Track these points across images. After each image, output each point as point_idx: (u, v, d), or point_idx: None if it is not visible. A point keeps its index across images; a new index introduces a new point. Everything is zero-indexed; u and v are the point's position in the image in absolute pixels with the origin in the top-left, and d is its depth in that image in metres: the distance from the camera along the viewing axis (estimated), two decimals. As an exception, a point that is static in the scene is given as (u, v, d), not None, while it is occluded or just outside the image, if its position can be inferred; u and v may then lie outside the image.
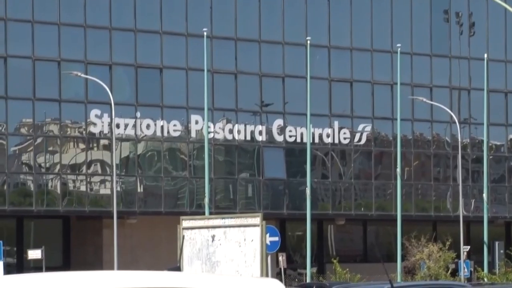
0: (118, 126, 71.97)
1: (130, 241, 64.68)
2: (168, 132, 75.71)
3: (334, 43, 79.11)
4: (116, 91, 70.23)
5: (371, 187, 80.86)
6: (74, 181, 74.50)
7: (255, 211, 44.01)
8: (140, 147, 75.47)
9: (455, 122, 78.60)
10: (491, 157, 79.75)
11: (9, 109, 71.32)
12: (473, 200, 77.66)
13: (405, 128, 78.51)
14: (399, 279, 60.96)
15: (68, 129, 74.18)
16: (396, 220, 72.90)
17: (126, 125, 73.56)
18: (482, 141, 79.24)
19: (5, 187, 71.88)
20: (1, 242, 59.15)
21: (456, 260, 69.93)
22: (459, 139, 78.46)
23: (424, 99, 79.15)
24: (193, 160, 74.73)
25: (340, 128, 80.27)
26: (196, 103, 73.17)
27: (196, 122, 74.69)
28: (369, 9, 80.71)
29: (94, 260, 62.70)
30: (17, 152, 73.22)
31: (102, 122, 72.78)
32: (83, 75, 70.18)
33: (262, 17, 77.89)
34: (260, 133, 78.28)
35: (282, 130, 78.52)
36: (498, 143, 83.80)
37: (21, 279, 12.85)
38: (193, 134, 75.33)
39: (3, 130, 71.77)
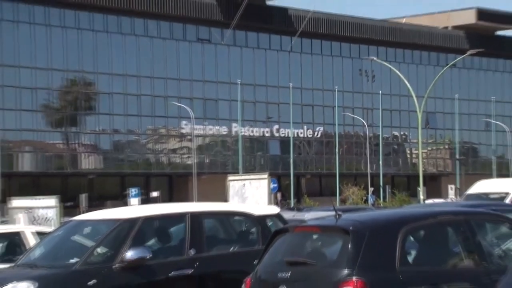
0: (195, 129, 71.90)
1: (203, 188, 64.38)
2: (220, 132, 75.67)
3: (304, 86, 78.62)
4: (195, 111, 70.26)
5: (323, 158, 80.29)
6: (174, 157, 74.46)
7: (264, 171, 44.26)
8: (207, 140, 75.27)
9: (363, 125, 78.54)
10: (383, 143, 79.46)
11: (142, 122, 71.42)
12: (374, 164, 77.28)
13: (340, 129, 78.22)
14: (337, 205, 61.09)
15: (170, 131, 74.16)
16: (336, 175, 72.92)
17: (199, 129, 73.46)
18: (379, 135, 79.15)
19: (139, 161, 71.92)
20: (138, 187, 59.32)
21: (367, 196, 69.79)
22: (367, 134, 78.31)
23: (350, 114, 79.01)
24: (233, 146, 74.57)
25: (307, 129, 79.75)
26: (234, 117, 73.14)
27: (235, 127, 74.38)
28: (321, 68, 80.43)
29: (185, 200, 62.29)
30: (145, 143, 73.10)
31: (187, 127, 72.62)
32: (177, 104, 70.41)
33: (268, 72, 77.71)
34: (267, 132, 78.07)
35: (277, 131, 78.06)
36: (387, 136, 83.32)
37: (148, 206, 13.35)
38: (233, 133, 75.13)
39: (139, 132, 71.94)
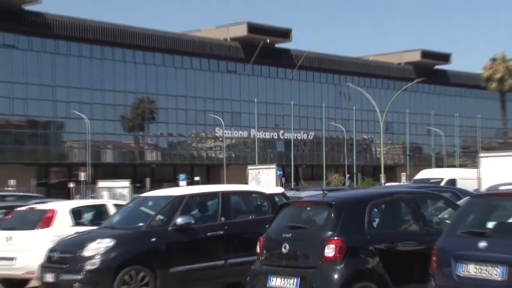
0: (225, 134, 71.74)
1: (230, 175, 64.07)
2: (243, 135, 75.30)
3: (301, 103, 78.29)
4: (225, 121, 70.26)
5: (314, 154, 79.51)
6: (210, 152, 74.21)
7: (273, 163, 44.06)
8: (233, 141, 74.51)
9: (343, 131, 78.26)
10: (356, 143, 79.13)
11: (188, 128, 71.07)
12: (350, 158, 76.89)
13: (326, 134, 77.87)
14: (324, 187, 60.42)
15: (208, 134, 73.71)
16: (323, 166, 72.71)
17: (228, 133, 73.21)
18: (353, 138, 78.85)
19: (186, 155, 71.62)
20: (185, 174, 59.01)
21: (345, 180, 69.51)
22: (345, 137, 77.96)
23: (333, 123, 78.58)
24: (252, 145, 74.21)
25: (303, 133, 79.21)
26: (252, 125, 72.97)
27: (252, 132, 74.14)
28: (313, 91, 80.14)
29: (218, 182, 62.17)
30: (190, 143, 72.71)
31: (220, 132, 72.44)
32: (212, 115, 70.29)
33: (276, 94, 77.22)
34: (275, 135, 77.52)
35: (282, 134, 77.48)
36: (359, 138, 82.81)
37: (192, 186, 13.25)
38: (251, 136, 74.62)
39: (186, 135, 71.69)
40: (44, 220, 12.72)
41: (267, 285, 8.47)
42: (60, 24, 62.38)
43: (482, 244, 6.70)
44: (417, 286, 7.87)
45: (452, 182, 24.61)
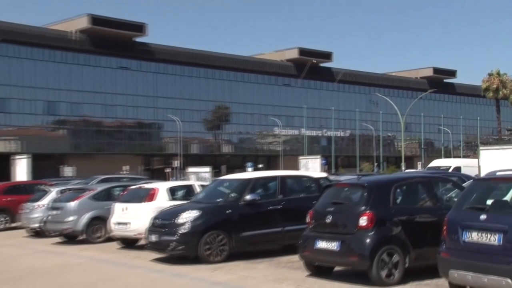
0: (281, 132, 71.48)
1: (286, 163, 63.33)
2: (295, 133, 74.65)
3: (340, 109, 76.99)
4: (282, 122, 69.96)
5: (350, 147, 78.40)
6: (270, 146, 73.95)
7: (318, 154, 43.08)
8: (288, 137, 74.14)
9: (372, 130, 76.91)
10: (383, 139, 77.72)
11: (254, 128, 70.93)
12: (378, 151, 75.58)
13: (359, 132, 76.68)
14: (358, 172, 59.44)
15: (268, 132, 73.47)
16: (357, 156, 71.65)
17: (284, 131, 72.87)
18: (380, 135, 77.43)
19: (252, 148, 71.64)
20: (252, 162, 58.66)
21: (373, 168, 68.39)
22: (374, 134, 76.66)
23: (364, 124, 77.14)
24: (302, 141, 73.31)
25: (341, 132, 78.18)
26: (302, 125, 72.37)
27: (302, 130, 73.43)
28: (349, 99, 79.09)
29: (276, 169, 61.71)
30: (255, 139, 72.41)
31: (277, 131, 72.17)
32: (272, 118, 70.07)
33: (321, 102, 76.22)
34: (319, 133, 76.43)
35: (325, 132, 76.18)
36: (384, 136, 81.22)
37: (257, 172, 13.24)
38: (301, 134, 74.09)
39: (252, 133, 71.48)
40: (149, 195, 13.09)
41: (315, 246, 8.47)
42: (160, 51, 64.32)
43: (483, 216, 6.61)
44: (431, 249, 7.74)
45: (458, 169, 24.05)
